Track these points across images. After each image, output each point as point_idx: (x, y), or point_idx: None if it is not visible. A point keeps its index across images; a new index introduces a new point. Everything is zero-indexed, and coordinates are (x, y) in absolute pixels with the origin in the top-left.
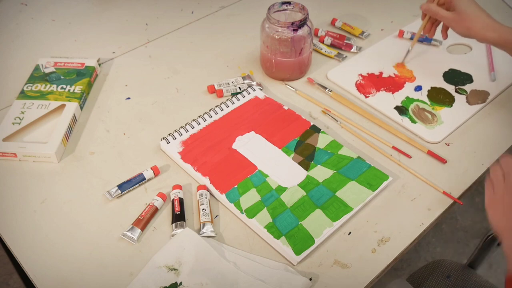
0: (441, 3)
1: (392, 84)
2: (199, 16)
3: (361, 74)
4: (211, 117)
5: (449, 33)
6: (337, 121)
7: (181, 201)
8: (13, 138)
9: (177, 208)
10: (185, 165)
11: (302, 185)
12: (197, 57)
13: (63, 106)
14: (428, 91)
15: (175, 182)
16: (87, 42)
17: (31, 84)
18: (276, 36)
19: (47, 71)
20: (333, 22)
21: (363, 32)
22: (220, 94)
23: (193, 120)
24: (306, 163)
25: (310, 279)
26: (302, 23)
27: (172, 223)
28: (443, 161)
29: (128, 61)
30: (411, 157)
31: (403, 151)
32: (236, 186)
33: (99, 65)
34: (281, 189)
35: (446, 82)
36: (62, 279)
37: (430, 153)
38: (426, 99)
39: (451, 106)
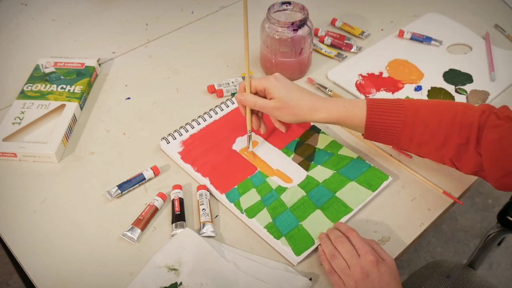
0: (254, 92)
1: (392, 84)
2: (199, 16)
3: (361, 74)
4: (211, 117)
5: (448, 33)
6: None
7: (181, 201)
8: (13, 138)
9: (177, 208)
10: (185, 165)
11: (302, 185)
12: (197, 57)
13: (63, 106)
14: (428, 91)
15: (175, 182)
16: (87, 42)
17: (31, 84)
18: (276, 36)
19: (47, 71)
20: (333, 22)
21: (363, 32)
22: (220, 94)
23: (193, 120)
24: (306, 164)
25: (310, 279)
26: (302, 23)
27: (172, 223)
28: None
29: (128, 61)
30: (411, 157)
31: (403, 151)
32: (236, 186)
33: (99, 65)
34: (281, 189)
35: (446, 82)
36: (62, 279)
37: None
38: (426, 99)
39: None
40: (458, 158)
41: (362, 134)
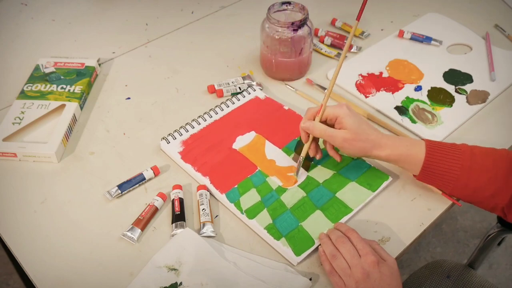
0: (324, 121)
1: (392, 84)
2: (199, 16)
3: (361, 74)
4: (211, 117)
5: (448, 33)
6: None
7: (181, 201)
8: (13, 138)
9: (177, 208)
10: (185, 165)
11: (302, 185)
12: (197, 57)
13: (63, 106)
14: (428, 91)
15: (175, 182)
16: (87, 42)
17: (31, 84)
18: (276, 36)
19: (47, 71)
20: (333, 22)
21: (363, 32)
22: (220, 94)
23: (193, 120)
24: (306, 164)
25: (310, 279)
26: (302, 23)
27: (172, 223)
28: None
29: (128, 61)
30: None
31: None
32: (236, 186)
33: (99, 65)
34: (281, 190)
35: (446, 82)
36: (62, 279)
37: None
38: (426, 99)
39: (451, 106)
40: (510, 205)
41: (414, 175)
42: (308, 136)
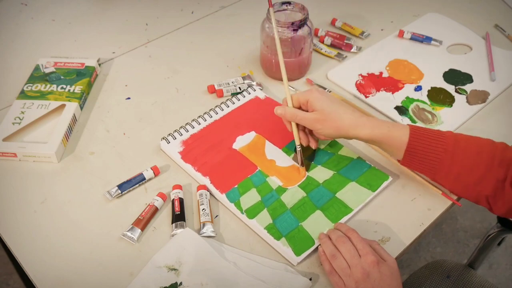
0: (297, 106)
1: (392, 84)
2: (199, 16)
3: (361, 74)
4: (211, 117)
5: (448, 33)
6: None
7: (181, 201)
8: (13, 138)
9: (177, 208)
10: (185, 165)
11: (302, 186)
12: (197, 57)
13: (63, 106)
14: (428, 91)
15: (175, 182)
16: (87, 42)
17: (31, 84)
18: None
19: (47, 71)
20: (333, 22)
21: (363, 32)
22: (220, 94)
23: (193, 120)
24: (306, 164)
25: (310, 279)
26: (302, 23)
27: (172, 223)
28: None
29: (128, 61)
30: None
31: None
32: (236, 186)
33: (99, 65)
34: (281, 190)
35: (446, 82)
36: (62, 279)
37: None
38: (426, 99)
39: (451, 106)
40: (494, 195)
41: (398, 160)
42: (290, 124)
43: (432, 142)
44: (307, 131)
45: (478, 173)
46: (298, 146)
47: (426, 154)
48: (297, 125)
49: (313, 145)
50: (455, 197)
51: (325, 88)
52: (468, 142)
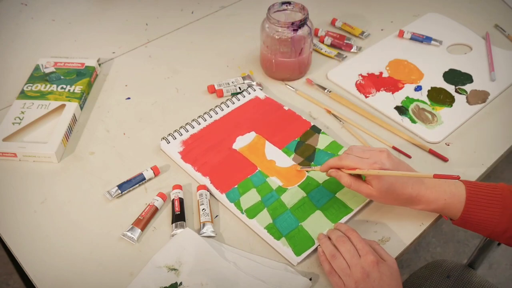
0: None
1: (392, 84)
2: (199, 16)
3: (361, 74)
4: (211, 117)
5: (448, 33)
6: (340, 121)
7: (181, 201)
8: (13, 138)
9: (177, 208)
10: (185, 165)
11: (302, 186)
12: (197, 57)
13: (63, 106)
14: (428, 91)
15: (175, 182)
16: (87, 42)
17: (31, 84)
18: (276, 36)
19: (47, 71)
20: (333, 22)
21: (363, 32)
22: (220, 94)
23: (193, 120)
24: (306, 164)
25: (310, 279)
26: (302, 23)
27: (172, 223)
28: (444, 159)
29: (128, 61)
30: (411, 157)
31: (403, 151)
32: (236, 186)
33: (99, 65)
34: (281, 190)
35: (446, 82)
36: (62, 279)
37: (432, 152)
38: (426, 99)
39: (451, 106)
40: None
41: (451, 219)
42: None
43: (488, 207)
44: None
45: None
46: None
47: (482, 220)
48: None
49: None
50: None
51: (325, 88)
52: None
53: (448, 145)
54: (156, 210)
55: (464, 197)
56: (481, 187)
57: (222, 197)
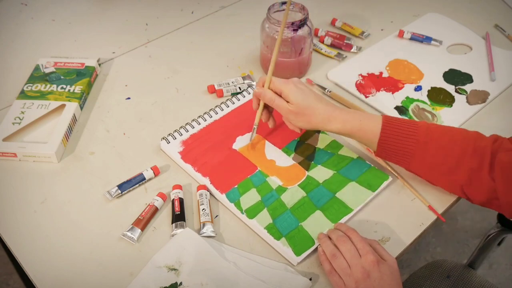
0: (273, 90)
1: (392, 84)
2: (199, 16)
3: (361, 74)
4: (211, 117)
5: (448, 33)
6: None
7: (181, 201)
8: (13, 138)
9: (177, 208)
10: (185, 165)
11: (302, 185)
12: (197, 57)
13: (63, 106)
14: (428, 91)
15: (175, 182)
16: (87, 42)
17: (31, 84)
18: (276, 36)
19: (47, 71)
20: (333, 22)
21: (363, 32)
22: (220, 94)
23: (193, 120)
24: (306, 163)
25: (310, 279)
26: (302, 23)
27: (172, 223)
28: None
29: (128, 61)
30: None
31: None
32: (236, 186)
33: (99, 65)
34: (281, 190)
35: (446, 82)
36: (62, 279)
37: None
38: (426, 99)
39: (451, 106)
40: (470, 184)
41: (374, 152)
42: (259, 103)
43: (403, 133)
44: (270, 110)
45: (451, 162)
46: (256, 125)
47: (399, 146)
48: (264, 105)
49: (270, 125)
50: (441, 211)
51: (324, 88)
52: (440, 132)
53: None
54: (156, 210)
55: (380, 122)
56: (399, 118)
57: (222, 197)
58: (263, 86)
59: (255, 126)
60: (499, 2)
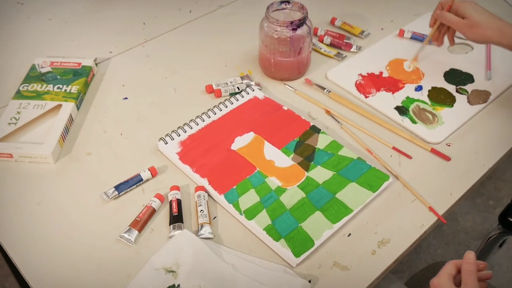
0: (447, 10)
1: (393, 84)
2: (197, 15)
3: (361, 74)
4: (209, 117)
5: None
6: (339, 122)
7: (179, 202)
8: (9, 139)
9: (175, 210)
10: (184, 166)
11: (302, 186)
12: (195, 57)
13: (59, 106)
14: (429, 91)
15: (173, 183)
16: (84, 42)
17: (27, 84)
18: (275, 36)
19: (43, 71)
20: (332, 21)
21: (363, 32)
22: (218, 94)
23: (191, 120)
24: (306, 164)
25: (309, 281)
26: (301, 22)
27: (169, 224)
28: (447, 158)
29: (125, 60)
30: (411, 158)
31: (403, 152)
32: (235, 186)
33: (96, 64)
34: (280, 190)
35: (447, 82)
36: (59, 281)
37: (434, 151)
38: (426, 99)
39: (452, 106)
40: None
41: None
42: (435, 23)
43: None
44: (442, 31)
45: None
46: (426, 43)
47: None
48: (438, 26)
49: (438, 44)
50: (441, 212)
51: (324, 88)
52: None
53: (449, 145)
54: (153, 211)
55: None
56: None
57: (220, 198)
58: (442, 9)
59: (424, 44)
60: (499, 2)
